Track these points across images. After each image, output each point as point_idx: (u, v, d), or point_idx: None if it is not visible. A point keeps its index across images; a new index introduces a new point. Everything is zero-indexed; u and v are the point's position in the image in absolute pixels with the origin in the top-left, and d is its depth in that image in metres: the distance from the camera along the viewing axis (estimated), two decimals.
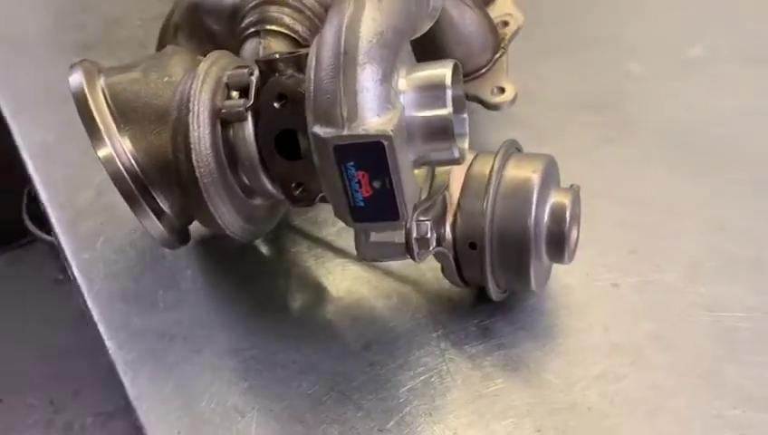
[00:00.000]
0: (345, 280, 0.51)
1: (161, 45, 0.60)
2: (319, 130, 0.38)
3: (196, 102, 0.42)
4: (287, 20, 0.53)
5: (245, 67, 0.44)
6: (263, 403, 0.45)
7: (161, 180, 0.46)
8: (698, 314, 0.48)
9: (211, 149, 0.43)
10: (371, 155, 0.37)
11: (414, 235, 0.40)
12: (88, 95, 0.45)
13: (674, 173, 0.57)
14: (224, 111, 0.43)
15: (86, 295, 0.52)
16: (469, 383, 0.45)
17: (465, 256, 0.45)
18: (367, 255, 0.41)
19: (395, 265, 0.50)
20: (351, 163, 0.38)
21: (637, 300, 0.49)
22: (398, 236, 0.40)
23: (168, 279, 0.53)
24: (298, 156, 0.42)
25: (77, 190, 0.60)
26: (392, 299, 0.50)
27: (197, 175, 0.43)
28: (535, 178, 0.44)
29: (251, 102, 0.42)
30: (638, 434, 0.42)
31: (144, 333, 0.49)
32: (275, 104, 0.41)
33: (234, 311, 0.51)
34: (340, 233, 0.54)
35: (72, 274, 0.54)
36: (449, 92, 0.40)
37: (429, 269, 0.50)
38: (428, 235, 0.41)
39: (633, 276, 0.50)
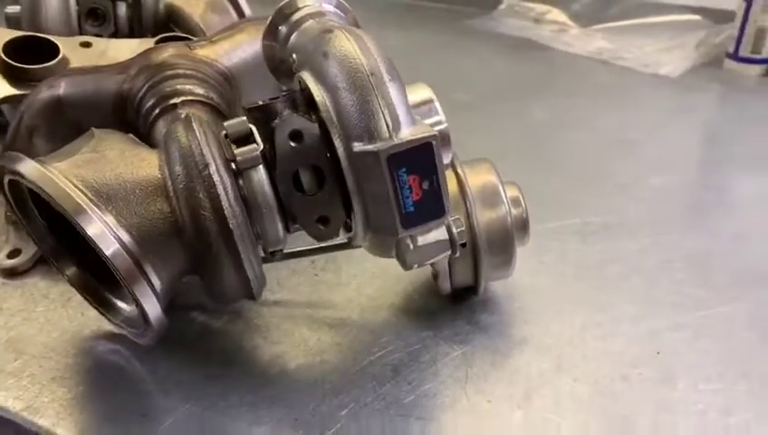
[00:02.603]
0: None
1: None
2: (362, 147, 0.40)
3: (211, 157, 0.41)
4: (200, 90, 0.54)
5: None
6: None
7: (157, 254, 0.42)
8: None
9: (238, 200, 0.41)
10: (422, 157, 0.41)
11: (454, 229, 0.44)
12: (54, 177, 0.41)
13: None
14: (239, 159, 0.42)
15: None
16: None
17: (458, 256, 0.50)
18: (414, 260, 0.43)
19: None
20: (403, 170, 0.41)
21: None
22: (441, 234, 0.44)
23: None
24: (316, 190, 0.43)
25: None
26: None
27: (231, 227, 0.41)
28: (496, 180, 0.51)
29: (261, 147, 0.42)
30: None
31: None
32: (291, 143, 0.42)
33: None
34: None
35: None
36: (437, 104, 0.45)
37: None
38: (463, 227, 0.45)
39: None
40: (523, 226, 0.52)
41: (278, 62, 0.51)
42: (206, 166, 0.41)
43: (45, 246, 0.50)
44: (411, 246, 0.43)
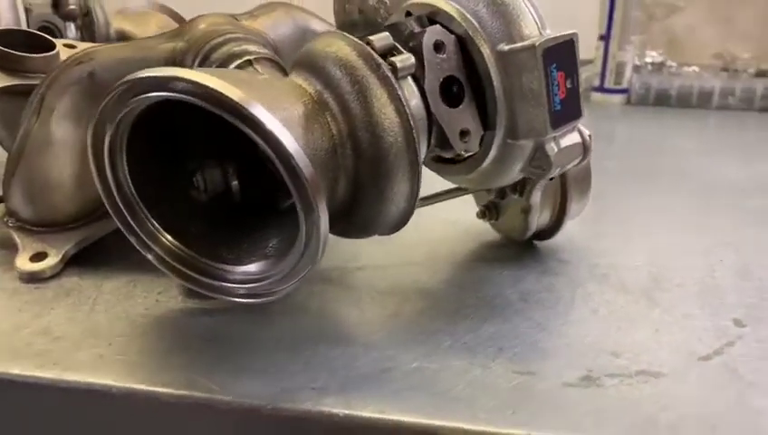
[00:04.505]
0: None
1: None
2: (513, 45, 0.42)
3: (379, 58, 0.40)
4: (266, 51, 0.52)
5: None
6: None
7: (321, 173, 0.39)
8: None
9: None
10: (567, 53, 0.43)
11: (585, 132, 0.46)
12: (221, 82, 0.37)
13: None
14: (399, 65, 0.41)
15: None
16: None
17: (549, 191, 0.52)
18: (559, 163, 0.44)
19: None
20: (554, 65, 0.42)
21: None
22: (576, 137, 0.45)
23: None
24: (456, 103, 0.43)
25: None
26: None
27: (414, 136, 0.39)
28: None
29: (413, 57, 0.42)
30: None
31: None
32: (437, 54, 0.42)
33: None
34: None
35: None
36: None
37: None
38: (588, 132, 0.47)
39: None
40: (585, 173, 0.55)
41: (352, 15, 0.51)
42: (379, 66, 0.40)
43: (140, 215, 0.44)
44: (556, 149, 0.44)
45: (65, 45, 0.60)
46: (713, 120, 1.14)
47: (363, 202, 0.41)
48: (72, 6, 0.69)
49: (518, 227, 0.54)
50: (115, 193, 0.43)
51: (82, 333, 0.43)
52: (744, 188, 0.75)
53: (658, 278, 0.52)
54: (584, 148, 0.46)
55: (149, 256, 0.44)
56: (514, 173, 0.46)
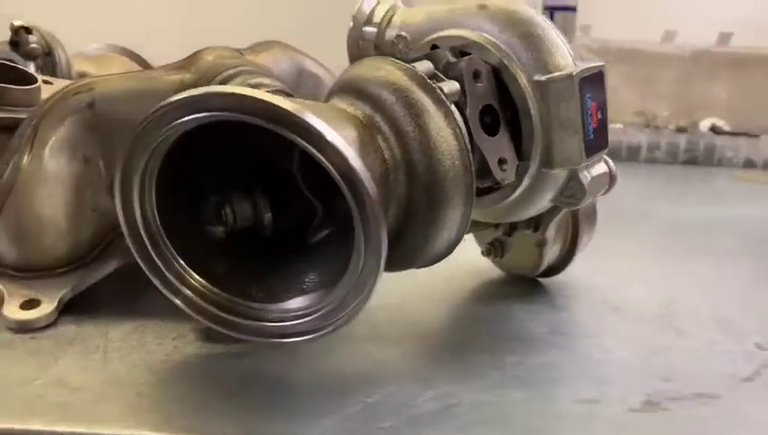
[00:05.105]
0: None
1: None
2: (549, 75, 0.42)
3: (434, 86, 0.39)
4: (278, 84, 0.51)
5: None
6: None
7: None
8: None
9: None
10: (597, 84, 0.44)
11: (610, 163, 0.47)
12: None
13: None
14: (446, 91, 0.40)
15: None
16: None
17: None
18: (592, 192, 0.44)
19: None
20: (588, 95, 0.43)
21: None
22: (603, 167, 0.46)
23: None
24: (492, 132, 0.43)
25: None
26: None
27: (471, 159, 0.38)
28: None
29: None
30: None
31: None
32: (477, 82, 0.42)
33: None
34: None
35: None
36: None
37: None
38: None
39: None
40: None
41: (366, 51, 0.51)
42: (434, 89, 0.39)
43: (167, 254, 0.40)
44: (589, 177, 0.45)
45: (44, 81, 0.56)
46: (643, 172, 1.20)
47: (412, 230, 0.40)
48: (33, 45, 0.65)
49: (528, 262, 0.54)
50: (142, 230, 0.40)
51: (102, 383, 0.38)
52: (706, 230, 0.79)
53: (669, 309, 0.52)
54: (610, 177, 0.47)
55: (177, 301, 0.40)
56: (544, 202, 0.46)
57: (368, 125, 0.39)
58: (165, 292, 0.40)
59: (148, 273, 0.40)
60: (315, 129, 0.33)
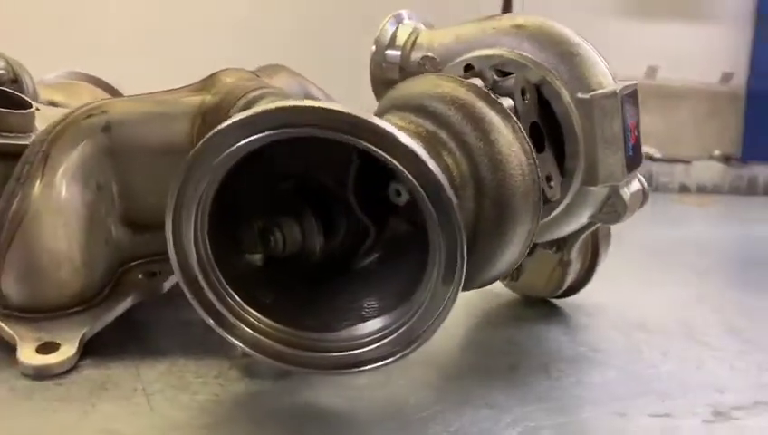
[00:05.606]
0: None
1: None
2: (591, 94, 0.43)
3: (499, 100, 0.38)
4: None
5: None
6: None
7: None
8: None
9: None
10: (634, 102, 0.45)
11: (642, 180, 0.47)
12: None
13: None
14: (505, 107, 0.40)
15: None
16: None
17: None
18: (632, 208, 0.45)
19: None
20: (629, 112, 0.44)
21: None
22: (637, 184, 0.47)
23: None
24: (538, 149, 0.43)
25: None
26: None
27: (539, 174, 0.38)
28: None
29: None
30: None
31: None
32: (525, 100, 0.42)
33: None
34: None
35: None
36: None
37: None
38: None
39: None
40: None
41: (389, 73, 0.50)
42: (499, 103, 0.38)
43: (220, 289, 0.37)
44: (629, 193, 0.45)
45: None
46: None
47: (476, 248, 0.39)
48: (0, 72, 0.60)
49: (549, 283, 0.53)
50: (196, 267, 0.36)
51: (155, 427, 0.35)
52: (676, 251, 0.82)
53: (688, 325, 0.53)
54: (644, 194, 0.47)
55: (234, 340, 0.37)
56: (582, 219, 0.46)
57: (430, 141, 0.38)
58: (218, 330, 0.37)
59: (200, 311, 0.37)
60: (406, 146, 0.32)
